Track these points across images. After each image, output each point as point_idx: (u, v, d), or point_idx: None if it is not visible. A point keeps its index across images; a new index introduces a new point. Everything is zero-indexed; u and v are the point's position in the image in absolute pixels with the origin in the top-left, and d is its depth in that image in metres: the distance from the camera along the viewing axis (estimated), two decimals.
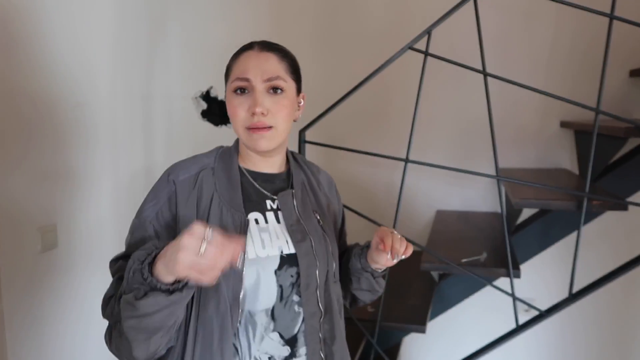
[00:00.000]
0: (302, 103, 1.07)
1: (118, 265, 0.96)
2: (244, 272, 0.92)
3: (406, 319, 1.75)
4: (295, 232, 0.99)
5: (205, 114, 1.15)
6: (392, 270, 2.14)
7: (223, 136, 1.17)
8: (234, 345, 0.95)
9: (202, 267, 0.72)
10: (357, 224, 1.66)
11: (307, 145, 1.64)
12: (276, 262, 0.96)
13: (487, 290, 2.09)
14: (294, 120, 1.04)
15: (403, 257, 1.01)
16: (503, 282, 1.83)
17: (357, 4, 2.39)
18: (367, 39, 2.38)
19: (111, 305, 0.90)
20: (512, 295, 1.49)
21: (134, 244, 0.96)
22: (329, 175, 1.19)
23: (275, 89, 0.97)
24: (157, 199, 0.97)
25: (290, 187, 1.06)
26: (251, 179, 1.02)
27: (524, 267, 2.07)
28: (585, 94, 1.75)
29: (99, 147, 2.01)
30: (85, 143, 1.94)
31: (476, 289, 2.12)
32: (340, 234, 1.21)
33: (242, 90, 0.96)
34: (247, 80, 0.95)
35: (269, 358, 0.96)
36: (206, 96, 1.16)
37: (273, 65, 0.98)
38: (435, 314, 2.19)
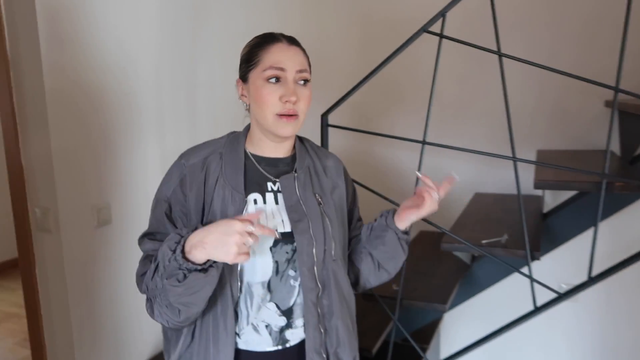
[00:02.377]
0: None
1: (144, 243, 1.09)
2: None
3: (429, 298, 1.78)
4: (294, 212, 1.07)
5: None
6: (419, 250, 2.20)
7: None
8: (236, 311, 1.06)
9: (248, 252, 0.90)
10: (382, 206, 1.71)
11: (330, 129, 1.70)
12: (270, 240, 1.04)
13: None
14: None
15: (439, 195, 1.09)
16: (538, 264, 1.79)
17: None
18: (391, 24, 2.40)
19: (145, 281, 1.03)
20: (530, 277, 1.49)
21: (154, 221, 1.09)
22: (338, 160, 1.24)
23: (304, 81, 1.07)
24: (170, 181, 1.09)
25: (293, 170, 1.13)
26: (255, 162, 1.11)
27: (559, 250, 2.04)
28: (629, 71, 1.67)
29: (147, 132, 2.19)
30: (134, 129, 2.13)
31: (510, 271, 2.10)
32: (351, 216, 1.26)
33: (277, 79, 1.04)
34: (282, 70, 1.03)
35: (266, 326, 1.07)
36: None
37: (302, 58, 1.08)
38: (470, 295, 2.20)
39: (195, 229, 0.95)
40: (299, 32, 1.18)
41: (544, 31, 2.19)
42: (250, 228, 0.89)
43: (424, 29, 1.49)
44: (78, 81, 1.86)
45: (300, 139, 1.20)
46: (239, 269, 1.04)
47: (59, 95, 1.79)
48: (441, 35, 1.48)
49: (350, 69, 2.49)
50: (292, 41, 1.09)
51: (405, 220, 1.14)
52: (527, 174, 2.33)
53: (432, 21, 1.50)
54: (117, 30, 2.01)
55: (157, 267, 0.98)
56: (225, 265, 1.01)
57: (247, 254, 0.90)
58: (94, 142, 1.94)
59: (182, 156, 1.11)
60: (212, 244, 0.90)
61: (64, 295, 1.87)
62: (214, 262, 0.93)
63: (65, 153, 1.83)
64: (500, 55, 1.43)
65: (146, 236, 1.10)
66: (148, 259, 1.06)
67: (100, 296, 2.01)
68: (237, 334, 1.07)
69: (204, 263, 0.93)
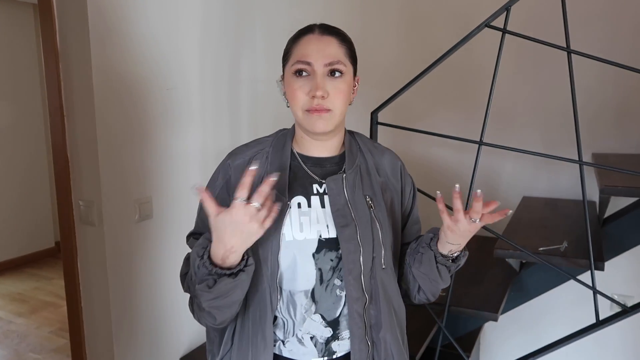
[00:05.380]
0: (356, 86, 1.07)
1: (190, 241, 1.07)
2: (280, 254, 0.97)
3: (478, 305, 1.71)
4: (341, 217, 0.99)
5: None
6: (468, 256, 2.11)
7: None
8: (282, 320, 1.01)
9: (264, 216, 0.84)
10: (430, 208, 1.64)
11: (379, 127, 1.64)
12: (314, 246, 0.98)
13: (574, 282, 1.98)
14: (349, 104, 1.04)
15: (481, 221, 0.92)
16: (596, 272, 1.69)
17: None
18: (446, 19, 2.31)
19: (187, 281, 1.00)
20: (593, 288, 1.40)
21: (200, 222, 1.07)
22: (395, 158, 1.14)
23: (334, 73, 0.98)
24: (216, 182, 1.05)
25: (342, 170, 1.05)
26: (301, 163, 1.04)
27: (619, 260, 1.93)
28: None
29: (189, 127, 2.17)
30: (177, 123, 2.11)
31: (562, 280, 2.00)
32: (407, 218, 1.15)
33: (301, 73, 0.98)
34: (308, 63, 0.97)
35: (311, 337, 1.01)
36: None
37: (334, 49, 0.99)
38: (515, 304, 2.11)
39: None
40: (344, 28, 1.13)
41: (603, 27, 2.07)
42: (242, 198, 0.82)
43: (486, 24, 1.42)
44: (123, 76, 1.85)
45: (351, 135, 1.12)
46: (277, 276, 0.98)
47: (105, 89, 1.78)
48: (504, 31, 1.40)
49: (397, 65, 2.42)
50: (326, 31, 1.01)
51: (441, 242, 1.02)
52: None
53: (494, 15, 1.42)
54: (162, 25, 1.99)
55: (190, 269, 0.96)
56: (264, 272, 0.97)
57: (269, 216, 0.84)
58: (138, 137, 1.93)
59: (229, 156, 1.07)
60: (237, 243, 0.85)
61: (105, 287, 1.87)
62: (245, 266, 0.89)
63: (110, 147, 1.82)
64: (570, 51, 1.34)
65: (192, 235, 1.08)
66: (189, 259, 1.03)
67: (139, 289, 1.99)
68: (282, 342, 1.02)
69: (234, 267, 0.89)
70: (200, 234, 1.04)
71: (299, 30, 1.04)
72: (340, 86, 0.99)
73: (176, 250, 2.12)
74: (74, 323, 1.98)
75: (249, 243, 0.86)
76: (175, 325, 2.16)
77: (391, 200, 1.09)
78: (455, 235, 0.97)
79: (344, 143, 1.09)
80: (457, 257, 1.05)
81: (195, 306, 0.97)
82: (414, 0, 2.39)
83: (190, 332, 2.23)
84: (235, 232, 0.84)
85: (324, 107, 0.97)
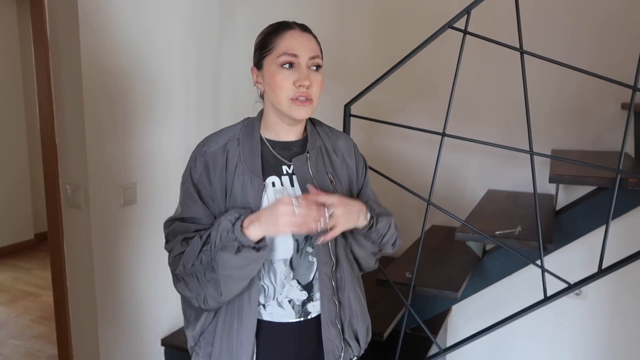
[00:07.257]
0: None
1: (174, 225, 1.15)
2: None
3: (441, 286, 1.84)
4: (307, 191, 1.11)
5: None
6: (431, 242, 2.26)
7: None
8: (263, 286, 1.13)
9: (297, 222, 0.99)
10: (405, 198, 1.77)
11: (352, 120, 1.76)
12: None
13: (534, 267, 2.12)
14: None
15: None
16: (549, 261, 1.79)
17: None
18: (418, 19, 2.45)
19: (183, 260, 1.08)
20: (541, 267, 1.54)
21: (185, 206, 1.15)
22: (348, 139, 1.29)
23: (315, 66, 1.12)
24: (196, 168, 1.14)
25: (306, 152, 1.18)
26: (270, 147, 1.17)
27: (577, 248, 2.08)
28: None
29: (172, 117, 2.27)
30: (161, 113, 2.20)
31: (522, 264, 2.13)
32: (359, 193, 1.28)
33: (290, 65, 1.10)
34: (295, 56, 1.09)
35: (289, 301, 1.14)
36: None
37: (314, 45, 1.14)
38: (479, 288, 2.24)
39: (252, 212, 1.06)
40: (321, 25, 1.25)
41: (563, 31, 2.23)
42: (295, 201, 0.98)
43: (449, 25, 1.55)
44: (111, 66, 1.94)
45: (311, 121, 1.25)
46: None
47: (93, 78, 1.86)
48: (465, 32, 1.53)
49: (369, 61, 2.56)
50: (304, 29, 1.15)
51: None
52: (542, 173, 2.38)
53: (456, 18, 1.55)
54: (149, 18, 2.09)
55: (205, 242, 1.05)
56: None
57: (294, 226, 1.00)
58: (123, 125, 2.02)
59: (202, 144, 1.17)
60: (264, 217, 1.00)
61: (90, 269, 1.95)
62: (266, 245, 1.03)
63: (97, 133, 1.91)
64: (522, 52, 1.48)
65: (177, 220, 1.15)
66: (185, 240, 1.11)
67: (122, 272, 2.08)
68: (263, 306, 1.14)
69: (258, 242, 1.02)
70: (186, 218, 1.14)
71: (276, 25, 1.15)
72: (319, 78, 1.13)
73: (158, 235, 2.21)
74: (60, 307, 2.05)
75: (268, 225, 1.00)
76: (156, 308, 2.25)
77: (349, 178, 1.24)
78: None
79: (305, 128, 1.22)
80: (372, 224, 1.16)
81: (195, 283, 1.06)
82: (387, 2, 2.53)
83: (171, 314, 2.32)
84: (270, 209, 1.01)
85: (309, 95, 1.09)
